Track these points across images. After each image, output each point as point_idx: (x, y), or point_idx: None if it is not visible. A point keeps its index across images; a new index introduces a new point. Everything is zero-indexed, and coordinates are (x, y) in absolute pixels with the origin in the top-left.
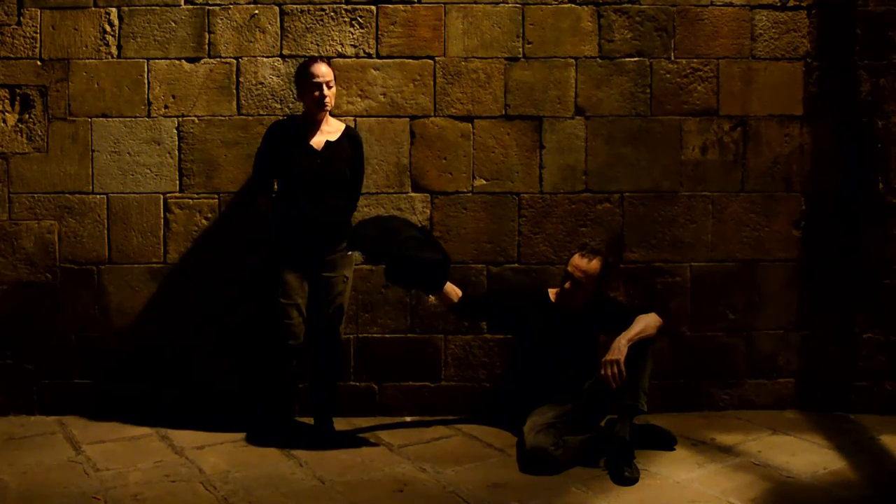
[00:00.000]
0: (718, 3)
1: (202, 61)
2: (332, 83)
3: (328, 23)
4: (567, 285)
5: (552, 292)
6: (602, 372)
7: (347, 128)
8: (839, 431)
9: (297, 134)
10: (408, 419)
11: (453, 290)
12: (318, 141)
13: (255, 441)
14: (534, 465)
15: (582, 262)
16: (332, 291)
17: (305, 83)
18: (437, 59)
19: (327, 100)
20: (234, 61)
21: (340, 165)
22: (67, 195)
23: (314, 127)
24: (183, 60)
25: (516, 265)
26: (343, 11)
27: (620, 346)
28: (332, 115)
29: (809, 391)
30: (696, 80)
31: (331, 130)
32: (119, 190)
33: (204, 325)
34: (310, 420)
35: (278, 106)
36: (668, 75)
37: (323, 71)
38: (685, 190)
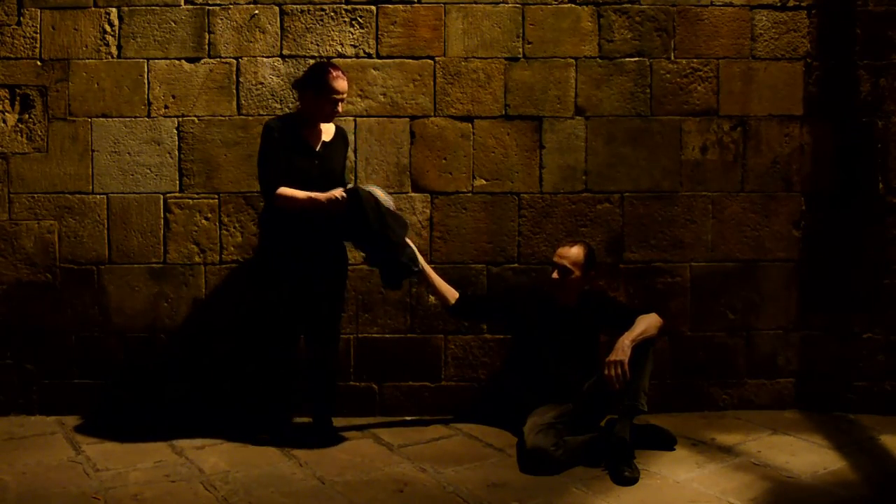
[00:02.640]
0: (718, 3)
1: (202, 61)
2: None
3: (328, 23)
4: (554, 275)
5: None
6: (605, 372)
7: (338, 127)
8: (839, 431)
9: (295, 135)
10: (408, 419)
11: (450, 292)
12: (314, 142)
13: (255, 441)
14: (534, 466)
15: (564, 250)
16: (329, 291)
17: (323, 94)
18: (437, 59)
19: (338, 111)
20: (234, 61)
21: (336, 165)
22: (67, 195)
23: (312, 128)
24: (183, 60)
25: (516, 265)
26: (343, 11)
27: (624, 347)
28: None
29: (809, 391)
30: (696, 80)
31: (325, 130)
32: (119, 190)
33: (204, 325)
34: (309, 420)
35: (278, 106)
36: (668, 75)
37: (344, 87)
38: (685, 190)
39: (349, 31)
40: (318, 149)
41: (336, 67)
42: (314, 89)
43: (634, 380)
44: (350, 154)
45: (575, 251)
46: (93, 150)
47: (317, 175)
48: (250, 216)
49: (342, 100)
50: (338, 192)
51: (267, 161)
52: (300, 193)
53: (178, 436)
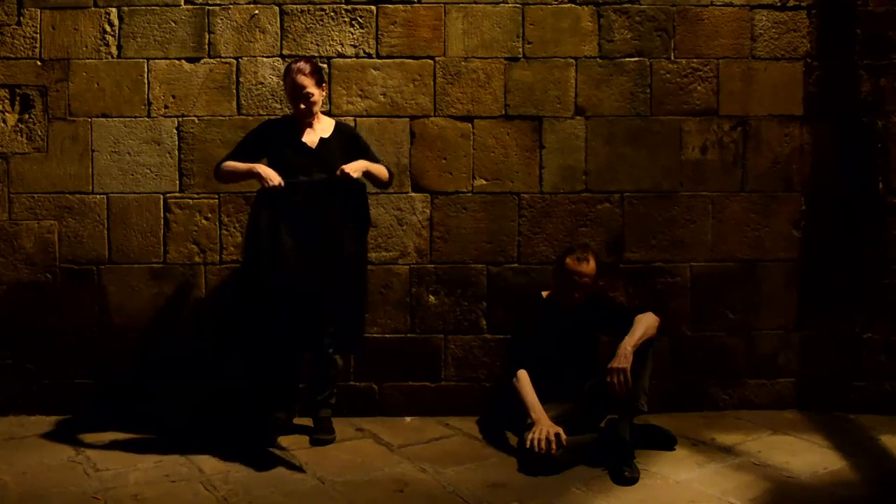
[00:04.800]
0: (718, 3)
1: (202, 61)
2: (313, 89)
3: (328, 23)
4: (577, 294)
5: (545, 294)
6: (608, 379)
7: (338, 123)
8: (839, 431)
9: (291, 133)
10: (408, 419)
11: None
12: (311, 139)
13: (256, 441)
14: (534, 466)
15: (583, 267)
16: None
17: (287, 91)
18: (437, 59)
19: (304, 108)
20: (234, 61)
21: (335, 162)
22: (67, 195)
23: (304, 127)
24: (183, 60)
25: (516, 265)
26: (343, 11)
27: (626, 354)
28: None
29: (809, 391)
30: (696, 80)
31: (323, 128)
32: (119, 190)
33: (204, 325)
34: (309, 421)
35: (278, 106)
36: (668, 75)
37: (301, 82)
38: (685, 190)
39: (349, 31)
40: (312, 146)
41: (298, 61)
42: (284, 86)
43: (635, 380)
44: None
45: (591, 265)
46: (93, 150)
47: (310, 172)
48: None
49: (305, 96)
50: (275, 178)
51: (237, 145)
52: (241, 164)
53: (178, 435)
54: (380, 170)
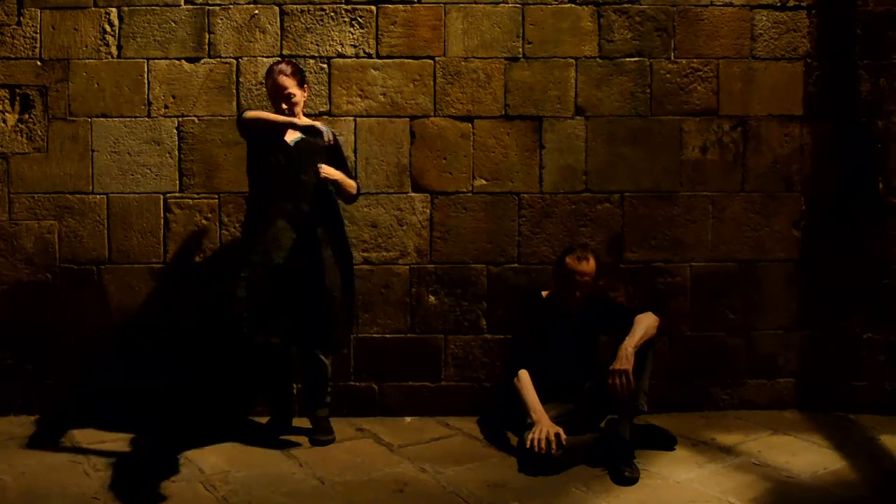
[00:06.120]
0: (718, 3)
1: (202, 61)
2: (294, 90)
3: (328, 23)
4: (578, 294)
5: (545, 294)
6: (610, 381)
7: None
8: (839, 431)
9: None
10: (408, 419)
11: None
12: (290, 138)
13: (255, 441)
14: (534, 466)
15: (584, 266)
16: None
17: (268, 92)
18: (437, 59)
19: (285, 108)
20: (234, 61)
21: (309, 161)
22: (67, 195)
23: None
24: (183, 60)
25: (516, 265)
26: (343, 11)
27: (628, 355)
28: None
29: (809, 391)
30: (696, 80)
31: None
32: (119, 190)
33: (204, 326)
34: (308, 422)
35: None
36: (668, 75)
37: (283, 84)
38: (685, 190)
39: (349, 31)
40: (290, 145)
41: (279, 62)
42: (265, 86)
43: (635, 381)
44: (350, 154)
45: (591, 265)
46: (93, 150)
47: (285, 165)
48: None
49: (287, 96)
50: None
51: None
52: (279, 116)
53: (178, 435)
54: (350, 184)
